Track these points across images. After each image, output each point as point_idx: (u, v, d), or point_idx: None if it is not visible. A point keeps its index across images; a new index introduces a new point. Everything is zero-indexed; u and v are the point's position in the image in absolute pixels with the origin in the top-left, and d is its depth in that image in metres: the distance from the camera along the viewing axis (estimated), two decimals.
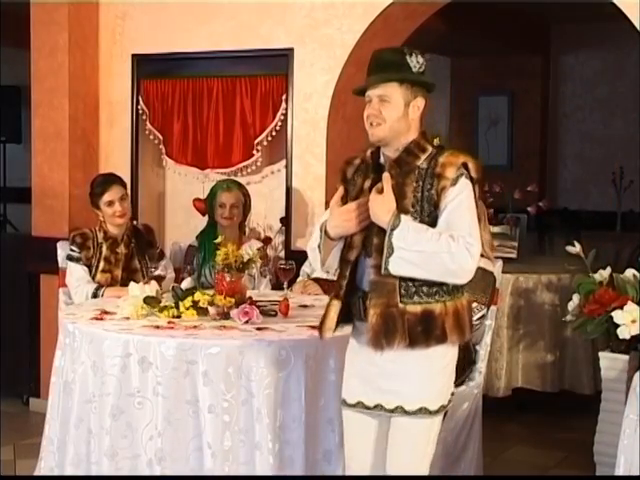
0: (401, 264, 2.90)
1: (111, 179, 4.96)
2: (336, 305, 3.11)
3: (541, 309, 5.92)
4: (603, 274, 4.47)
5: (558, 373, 5.94)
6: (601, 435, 4.33)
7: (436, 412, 3.04)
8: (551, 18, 9.67)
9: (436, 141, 3.07)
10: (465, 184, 2.97)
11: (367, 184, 3.07)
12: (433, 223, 2.95)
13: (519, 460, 5.17)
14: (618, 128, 9.78)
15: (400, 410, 3.02)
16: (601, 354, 4.43)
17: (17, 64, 7.40)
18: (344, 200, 3.09)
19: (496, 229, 6.01)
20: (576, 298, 4.54)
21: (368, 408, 3.09)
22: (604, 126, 9.90)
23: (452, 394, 3.15)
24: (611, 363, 4.36)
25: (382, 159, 3.09)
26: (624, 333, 4.23)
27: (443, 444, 3.70)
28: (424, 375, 3.01)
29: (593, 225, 8.86)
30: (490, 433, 4.59)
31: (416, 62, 3.04)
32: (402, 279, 2.95)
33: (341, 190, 3.09)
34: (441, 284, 2.97)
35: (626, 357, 4.30)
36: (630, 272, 4.44)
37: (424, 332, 2.95)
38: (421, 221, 2.95)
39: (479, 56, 10.06)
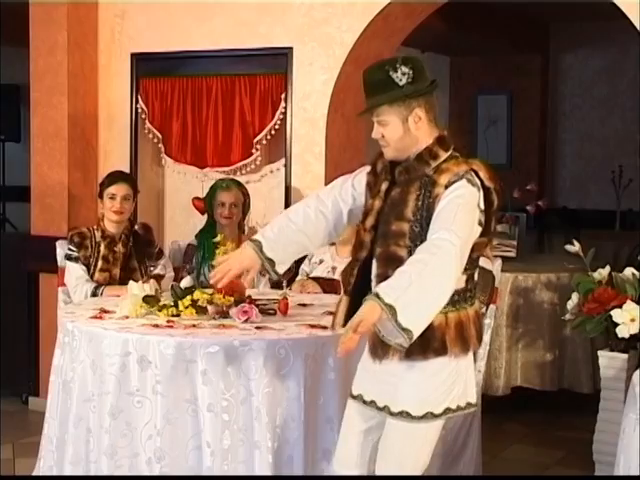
0: (409, 310, 2.75)
1: (123, 176, 4.99)
2: (344, 300, 3.12)
3: (540, 308, 5.92)
4: (602, 273, 4.46)
5: (557, 372, 5.94)
6: (600, 434, 4.32)
7: (420, 418, 2.98)
8: (550, 17, 9.67)
9: None
10: (459, 186, 2.88)
11: (384, 187, 3.06)
12: None
13: (518, 459, 5.17)
14: (617, 127, 9.78)
15: (387, 410, 3.05)
16: (600, 353, 4.43)
17: (16, 63, 7.40)
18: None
19: None
20: (575, 297, 4.53)
21: (365, 403, 3.14)
22: (603, 125, 9.90)
23: (458, 408, 3.04)
24: (610, 362, 4.35)
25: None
26: (623, 332, 4.22)
27: (442, 443, 3.70)
28: (412, 381, 2.99)
29: (592, 224, 8.87)
30: (489, 432, 4.59)
31: (401, 75, 2.94)
32: None
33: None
34: None
35: (625, 356, 4.30)
36: (629, 271, 4.43)
37: (421, 344, 2.87)
38: (421, 229, 2.91)
39: (478, 55, 10.06)
